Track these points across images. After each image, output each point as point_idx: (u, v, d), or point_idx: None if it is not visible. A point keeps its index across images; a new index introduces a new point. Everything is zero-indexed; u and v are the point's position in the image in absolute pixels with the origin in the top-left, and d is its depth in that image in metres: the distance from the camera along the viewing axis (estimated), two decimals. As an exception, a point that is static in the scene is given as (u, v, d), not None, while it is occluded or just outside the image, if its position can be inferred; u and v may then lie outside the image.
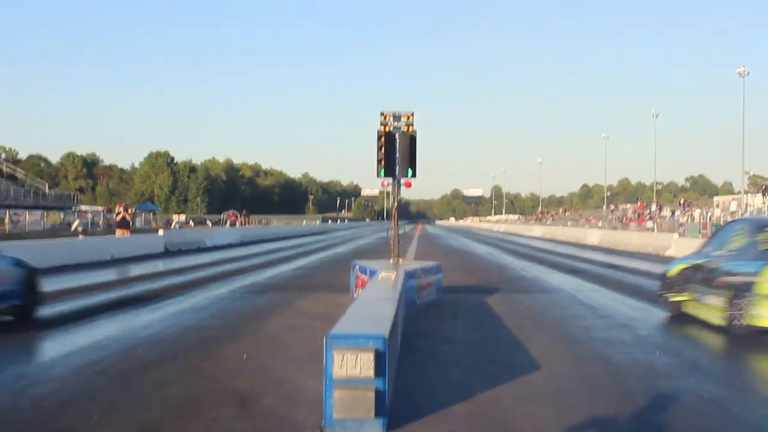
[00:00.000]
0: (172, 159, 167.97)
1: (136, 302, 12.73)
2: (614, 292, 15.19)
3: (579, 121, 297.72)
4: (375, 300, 7.54)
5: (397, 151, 13.46)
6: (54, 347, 8.65)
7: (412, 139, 13.59)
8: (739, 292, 8.90)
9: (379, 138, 13.50)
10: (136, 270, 20.51)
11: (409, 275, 11.52)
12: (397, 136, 13.53)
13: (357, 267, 13.20)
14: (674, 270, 11.21)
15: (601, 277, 18.76)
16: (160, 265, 22.62)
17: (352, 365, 4.98)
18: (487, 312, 11.86)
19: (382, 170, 13.41)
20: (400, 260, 13.95)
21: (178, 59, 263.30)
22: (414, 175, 13.59)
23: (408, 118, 13.57)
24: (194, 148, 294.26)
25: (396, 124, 13.53)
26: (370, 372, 4.98)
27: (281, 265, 22.77)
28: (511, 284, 16.73)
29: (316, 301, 12.97)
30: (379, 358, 5.03)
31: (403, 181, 13.55)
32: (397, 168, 13.47)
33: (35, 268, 10.63)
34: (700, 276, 10.17)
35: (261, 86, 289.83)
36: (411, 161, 13.53)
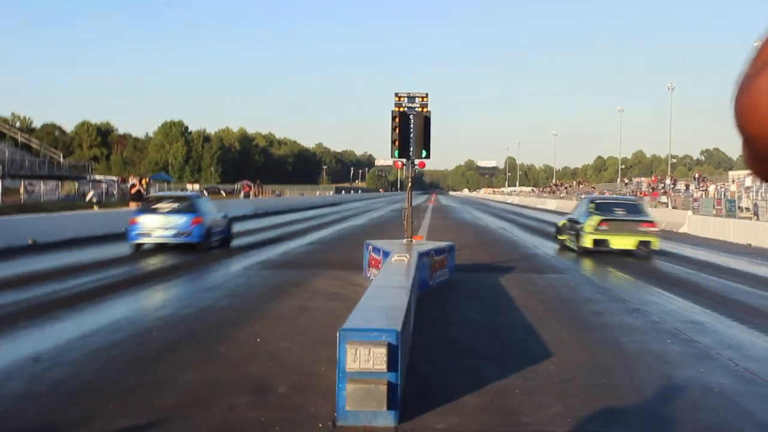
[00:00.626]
0: (186, 128, 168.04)
1: (150, 280, 12.85)
2: (629, 275, 15.20)
3: (594, 93, 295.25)
4: (388, 288, 7.57)
5: (411, 132, 13.45)
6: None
7: (426, 120, 13.55)
8: (578, 232, 18.14)
9: (394, 119, 13.46)
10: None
11: (422, 256, 11.56)
12: (411, 117, 13.51)
13: (370, 247, 13.25)
14: (561, 222, 20.57)
15: (617, 259, 18.73)
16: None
17: (365, 359, 5.03)
18: (500, 293, 11.90)
19: (397, 151, 13.41)
20: (413, 240, 13.96)
21: (195, 28, 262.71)
22: (428, 156, 13.55)
23: (422, 98, 13.52)
24: (208, 118, 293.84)
25: (410, 104, 13.51)
26: (382, 366, 5.04)
27: (295, 239, 22.85)
28: (524, 263, 16.74)
29: (330, 279, 13.06)
30: (392, 352, 5.08)
31: (416, 162, 13.53)
32: (411, 149, 13.46)
33: (232, 218, 20.55)
34: (569, 225, 19.36)
35: (276, 56, 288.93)
36: (425, 142, 13.52)
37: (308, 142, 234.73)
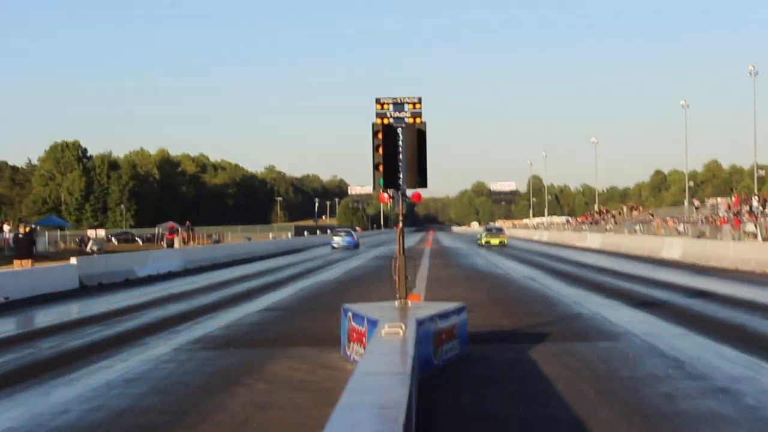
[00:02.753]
0: (85, 152, 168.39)
1: (44, 372, 12.73)
2: (708, 337, 15.27)
3: (648, 85, 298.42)
4: (379, 376, 7.54)
5: (400, 152, 13.50)
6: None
7: (420, 135, 13.60)
8: (479, 239, 76.72)
9: (376, 134, 13.48)
10: (42, 318, 20.51)
11: (423, 325, 11.54)
12: (399, 131, 13.57)
13: (350, 314, 13.22)
14: (482, 236, 74.38)
15: (686, 313, 18.82)
16: (74, 310, 22.62)
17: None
18: (531, 373, 11.89)
19: (381, 179, 13.44)
20: (409, 302, 13.95)
21: (94, 18, 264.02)
22: (424, 183, 13.61)
23: (414, 105, 13.63)
24: (114, 137, 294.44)
25: (398, 113, 13.60)
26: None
27: (243, 304, 22.79)
28: (561, 326, 16.76)
29: (294, 361, 12.98)
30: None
31: (410, 193, 13.58)
32: (401, 175, 13.48)
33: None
34: (485, 233, 76.33)
35: (202, 47, 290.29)
36: (420, 165, 13.55)
37: (255, 166, 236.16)
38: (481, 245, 70.03)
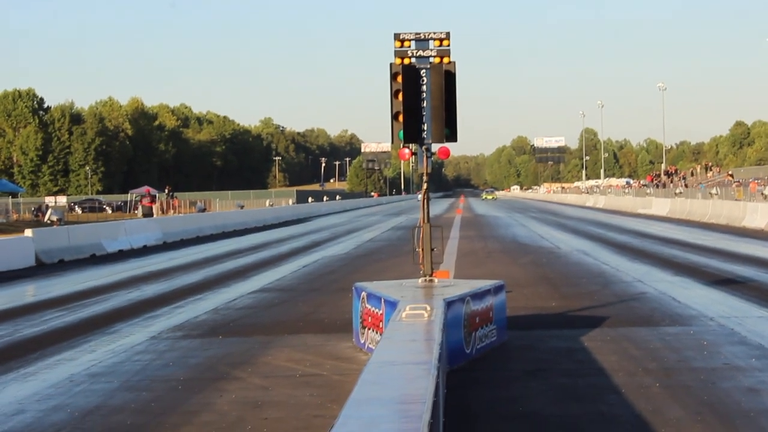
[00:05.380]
0: (41, 102, 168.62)
1: (-6, 364, 12.83)
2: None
3: (727, 19, 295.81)
4: (398, 366, 7.54)
5: (424, 99, 13.46)
6: None
7: (448, 78, 13.56)
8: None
9: (394, 77, 13.46)
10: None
11: (452, 306, 11.55)
12: (423, 72, 13.53)
13: (364, 294, 13.23)
14: (484, 194, 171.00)
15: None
16: (30, 292, 22.78)
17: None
18: (584, 364, 11.90)
19: (401, 131, 13.41)
20: (435, 279, 13.94)
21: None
22: (454, 137, 13.58)
23: (441, 42, 13.54)
24: (77, 85, 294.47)
25: (421, 53, 13.52)
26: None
27: (235, 284, 22.85)
28: (621, 309, 16.74)
29: (297, 353, 13.03)
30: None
31: (435, 148, 13.53)
32: (426, 127, 13.46)
33: None
34: (485, 192, 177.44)
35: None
36: (448, 115, 13.52)
37: (247, 119, 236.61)
38: (484, 199, 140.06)
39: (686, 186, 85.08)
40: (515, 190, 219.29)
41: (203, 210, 76.37)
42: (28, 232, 31.90)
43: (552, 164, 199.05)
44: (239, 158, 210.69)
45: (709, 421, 8.94)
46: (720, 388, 10.36)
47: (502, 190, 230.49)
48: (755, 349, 12.69)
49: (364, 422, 5.71)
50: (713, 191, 69.35)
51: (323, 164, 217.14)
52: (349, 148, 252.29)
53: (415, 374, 7.12)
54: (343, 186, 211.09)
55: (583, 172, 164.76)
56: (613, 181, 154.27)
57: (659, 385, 10.51)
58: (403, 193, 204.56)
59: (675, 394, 10.08)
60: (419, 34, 13.58)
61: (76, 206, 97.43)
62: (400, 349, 8.54)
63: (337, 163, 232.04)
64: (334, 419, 5.63)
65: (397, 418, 5.82)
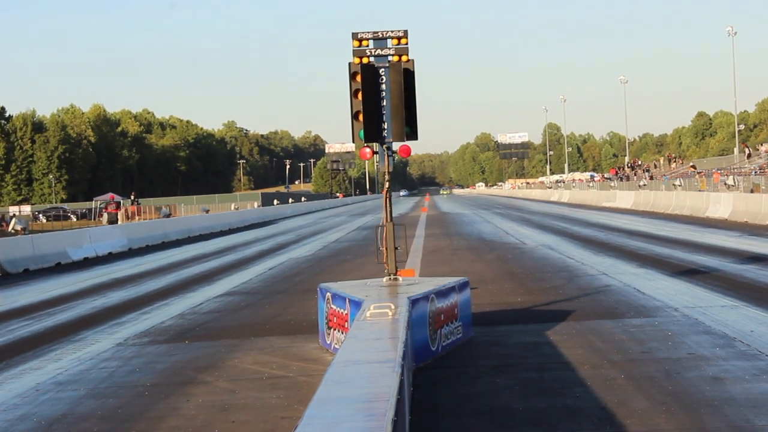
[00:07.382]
0: (2, 111, 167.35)
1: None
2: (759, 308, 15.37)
3: (687, 9, 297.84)
4: (363, 366, 7.56)
5: (383, 98, 13.49)
6: None
7: (407, 76, 13.58)
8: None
9: (353, 76, 13.48)
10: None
11: (417, 304, 11.57)
12: (382, 71, 13.56)
13: (328, 295, 13.24)
14: (442, 192, 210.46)
15: (735, 282, 18.90)
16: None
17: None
18: (550, 358, 11.96)
19: (361, 131, 13.43)
20: (399, 278, 13.96)
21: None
22: (414, 135, 13.61)
23: (399, 41, 13.57)
24: (38, 93, 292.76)
25: (380, 51, 13.54)
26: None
27: (200, 288, 22.82)
28: (586, 302, 16.85)
29: (263, 355, 13.05)
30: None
31: (396, 146, 13.55)
32: (386, 125, 13.49)
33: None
34: (443, 189, 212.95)
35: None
36: (408, 113, 13.55)
37: (210, 123, 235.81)
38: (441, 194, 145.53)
39: (650, 178, 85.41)
40: (480, 187, 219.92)
41: (168, 215, 76.00)
42: (-8, 242, 31.69)
43: (516, 160, 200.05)
44: (203, 162, 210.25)
45: (674, 411, 9.00)
46: (684, 378, 10.43)
47: (467, 187, 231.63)
48: (719, 338, 12.79)
49: (328, 422, 5.73)
50: (677, 182, 69.74)
51: (288, 166, 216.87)
52: (314, 149, 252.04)
53: (380, 373, 7.14)
54: (308, 187, 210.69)
55: (548, 167, 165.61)
56: (578, 175, 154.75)
57: (624, 377, 10.57)
58: (369, 192, 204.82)
59: (640, 386, 10.14)
60: (377, 33, 13.62)
61: (41, 215, 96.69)
62: (364, 348, 8.57)
63: (301, 164, 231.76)
64: (299, 420, 5.65)
65: (361, 416, 5.83)
